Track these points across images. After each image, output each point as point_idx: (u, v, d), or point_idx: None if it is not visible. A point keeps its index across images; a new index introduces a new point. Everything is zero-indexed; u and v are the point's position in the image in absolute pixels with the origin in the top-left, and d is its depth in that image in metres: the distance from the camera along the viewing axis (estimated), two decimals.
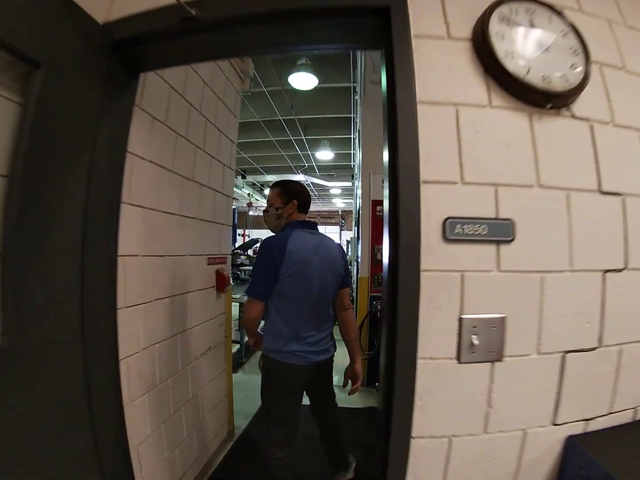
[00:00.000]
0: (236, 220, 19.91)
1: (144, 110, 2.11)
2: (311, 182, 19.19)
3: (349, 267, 3.00)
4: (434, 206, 1.31)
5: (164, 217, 2.31)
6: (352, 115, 10.74)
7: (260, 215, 31.06)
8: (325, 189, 20.94)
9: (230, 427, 3.65)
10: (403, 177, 1.33)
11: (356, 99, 9.54)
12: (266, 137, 12.72)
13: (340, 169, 17.41)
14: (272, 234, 2.32)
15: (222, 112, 3.24)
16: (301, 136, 12.45)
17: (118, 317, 1.85)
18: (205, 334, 2.92)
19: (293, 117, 10.84)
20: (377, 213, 4.78)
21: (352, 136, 12.36)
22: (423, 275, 1.28)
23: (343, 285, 2.39)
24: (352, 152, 14.05)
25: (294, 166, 16.21)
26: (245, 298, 2.20)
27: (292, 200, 2.29)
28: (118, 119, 1.82)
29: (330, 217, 30.90)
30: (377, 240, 4.72)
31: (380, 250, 4.77)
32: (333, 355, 2.39)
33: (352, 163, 15.64)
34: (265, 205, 2.39)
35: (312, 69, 7.57)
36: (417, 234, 1.29)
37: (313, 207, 31.74)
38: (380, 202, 4.82)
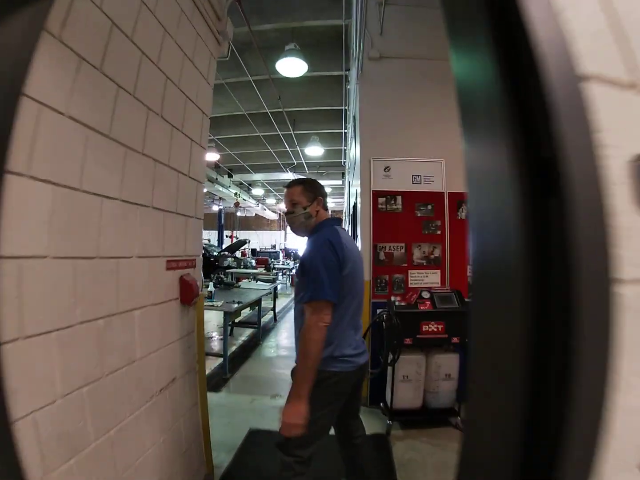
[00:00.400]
0: (223, 221, 19.12)
1: (65, 45, 1.42)
2: None
3: None
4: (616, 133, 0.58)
5: (94, 201, 1.58)
6: (343, 108, 10.11)
7: (249, 216, 30.58)
8: None
9: (208, 468, 2.94)
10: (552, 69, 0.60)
11: (348, 89, 8.90)
12: (253, 132, 12.03)
13: (330, 167, 16.75)
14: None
15: (191, 74, 2.54)
16: (290, 131, 11.77)
17: (5, 355, 1.17)
18: (166, 362, 2.20)
19: (281, 110, 10.16)
20: (379, 206, 4.14)
21: (343, 131, 11.73)
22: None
23: None
24: (343, 148, 13.41)
25: (282, 164, 15.52)
26: (309, 304, 1.85)
27: (317, 197, 2.16)
28: (9, 38, 1.15)
29: None
30: (379, 237, 4.08)
31: (384, 249, 4.12)
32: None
33: (342, 160, 15.00)
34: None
35: (301, 54, 6.90)
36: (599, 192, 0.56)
37: None
38: (383, 194, 4.19)
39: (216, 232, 26.45)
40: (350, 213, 8.72)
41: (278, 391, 4.62)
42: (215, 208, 22.43)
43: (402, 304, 3.61)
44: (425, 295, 3.62)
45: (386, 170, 4.19)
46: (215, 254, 15.72)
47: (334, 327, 1.86)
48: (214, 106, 9.93)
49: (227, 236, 24.22)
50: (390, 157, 4.22)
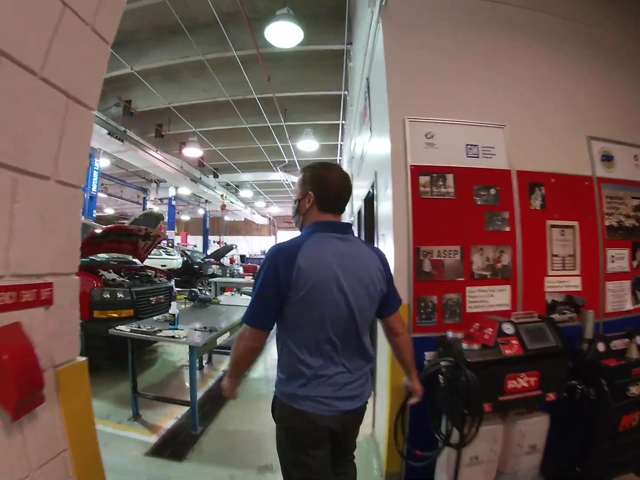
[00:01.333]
0: (208, 226, 17.64)
1: None
2: (292, 182, 17.16)
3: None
4: None
5: None
6: (342, 93, 8.76)
7: (238, 220, 29.07)
8: None
9: None
10: None
11: (350, 66, 7.56)
12: (239, 122, 10.68)
13: None
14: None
15: None
16: (281, 122, 10.42)
17: None
18: None
19: (271, 95, 8.81)
20: (421, 189, 2.72)
21: (340, 122, 10.39)
22: None
23: (390, 311, 1.79)
24: (339, 143, 12.06)
25: (272, 162, 14.14)
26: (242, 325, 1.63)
27: (309, 191, 1.67)
28: None
29: None
30: (423, 237, 2.63)
31: (430, 255, 2.70)
32: (366, 403, 1.74)
33: (338, 157, 13.64)
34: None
35: (295, 20, 5.59)
36: None
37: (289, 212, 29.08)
38: (426, 170, 2.76)
39: (212, 237, 24.99)
40: (352, 219, 7.43)
41: (269, 460, 3.19)
42: (201, 212, 20.95)
43: (475, 346, 2.19)
44: (508, 329, 2.22)
45: (429, 137, 2.80)
46: (198, 260, 14.25)
47: (298, 360, 1.58)
48: (195, 91, 8.31)
49: (214, 242, 22.77)
50: (433, 117, 2.84)
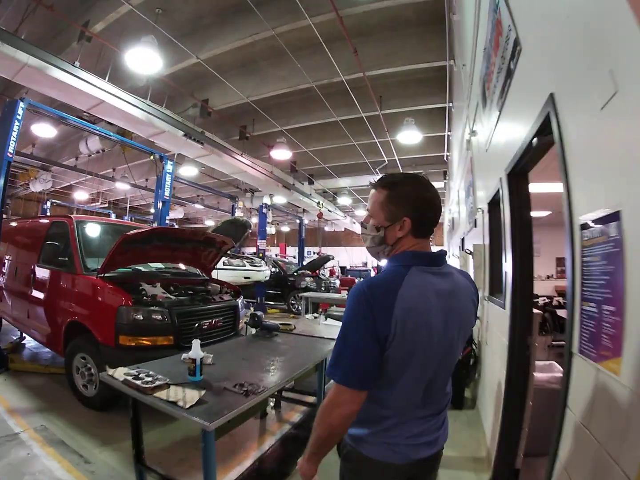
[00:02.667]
0: (304, 235, 16.67)
1: None
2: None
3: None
4: None
5: None
6: (446, 63, 7.05)
7: (338, 231, 27.96)
8: None
9: None
10: None
11: (455, 20, 5.84)
12: (329, 116, 9.42)
13: (429, 165, 13.56)
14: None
15: None
16: (376, 111, 8.93)
17: None
18: None
19: (360, 75, 7.37)
20: None
21: (447, 105, 8.61)
22: None
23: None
24: (446, 133, 10.22)
25: (370, 162, 12.67)
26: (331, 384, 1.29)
27: (403, 216, 1.36)
28: None
29: None
30: None
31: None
32: (442, 449, 1.50)
33: (445, 153, 11.76)
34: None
35: None
36: None
37: None
38: None
39: (311, 249, 24.27)
40: (467, 231, 5.80)
41: None
42: (304, 221, 20.11)
43: None
44: None
45: None
46: (290, 273, 13.23)
47: (378, 401, 1.35)
48: (274, 81, 7.16)
49: (314, 253, 21.89)
50: None
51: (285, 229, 27.24)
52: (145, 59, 5.98)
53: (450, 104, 8.62)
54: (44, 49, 5.98)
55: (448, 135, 10.39)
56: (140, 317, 3.88)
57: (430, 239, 1.48)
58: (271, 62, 8.10)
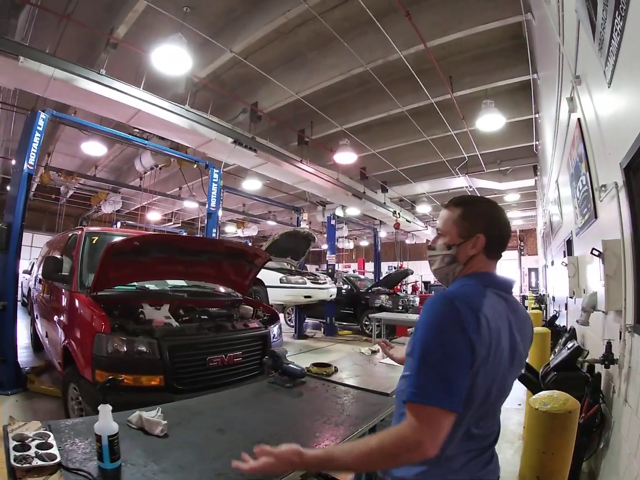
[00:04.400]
0: (380, 248, 15.33)
1: None
2: (475, 189, 13.73)
3: None
4: None
5: None
6: (522, 19, 5.52)
7: (420, 243, 26.09)
8: (494, 196, 15.05)
9: None
10: None
11: None
12: (393, 106, 8.20)
13: (516, 160, 11.67)
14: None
15: None
16: (447, 94, 7.55)
17: None
18: None
19: (421, 47, 6.08)
20: None
21: (530, 77, 6.98)
22: None
23: None
24: (533, 116, 8.47)
25: (447, 161, 11.13)
26: (411, 406, 1.14)
27: (477, 232, 1.34)
28: None
29: None
30: None
31: None
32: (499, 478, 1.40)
33: (534, 142, 9.90)
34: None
35: None
36: None
37: None
38: None
39: (392, 263, 22.86)
40: (579, 226, 4.24)
41: None
42: (382, 234, 18.80)
43: None
44: None
45: None
46: (362, 290, 11.94)
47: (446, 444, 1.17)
48: (323, 70, 6.12)
49: (393, 268, 20.42)
50: None
51: (364, 243, 25.99)
52: (173, 58, 5.54)
53: (535, 75, 6.99)
54: (67, 59, 5.61)
55: (536, 119, 8.63)
56: (119, 348, 2.96)
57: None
58: (319, 51, 7.21)
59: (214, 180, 7.22)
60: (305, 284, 7.93)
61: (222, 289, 4.77)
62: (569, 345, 3.49)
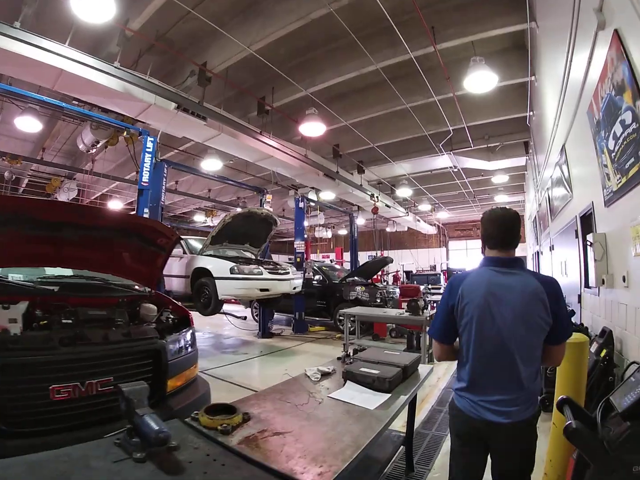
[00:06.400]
0: (356, 235, 14.08)
1: None
2: (461, 169, 12.57)
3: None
4: None
5: None
6: None
7: (401, 231, 24.96)
8: (481, 178, 13.92)
9: None
10: None
11: None
12: (366, 63, 6.88)
13: (505, 136, 10.51)
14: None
15: None
16: (429, 47, 6.28)
17: None
18: None
19: None
20: None
21: (527, 26, 5.82)
22: None
23: (550, 342, 1.89)
24: (528, 79, 7.28)
25: (430, 135, 9.90)
26: None
27: (481, 235, 2.14)
28: None
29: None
30: None
31: None
32: (517, 425, 1.82)
33: (527, 112, 8.75)
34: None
35: None
36: None
37: (465, 217, 23.83)
38: None
39: (371, 253, 21.66)
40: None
41: None
42: (360, 221, 17.53)
43: None
44: None
45: None
46: (336, 281, 10.68)
47: (461, 364, 2.01)
48: (280, 16, 4.78)
49: (373, 257, 19.24)
50: None
51: (342, 232, 24.75)
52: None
53: (533, 24, 5.79)
54: None
55: (532, 82, 7.44)
56: None
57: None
58: None
59: (147, 150, 5.83)
60: (262, 274, 6.63)
61: (126, 282, 3.46)
62: None
